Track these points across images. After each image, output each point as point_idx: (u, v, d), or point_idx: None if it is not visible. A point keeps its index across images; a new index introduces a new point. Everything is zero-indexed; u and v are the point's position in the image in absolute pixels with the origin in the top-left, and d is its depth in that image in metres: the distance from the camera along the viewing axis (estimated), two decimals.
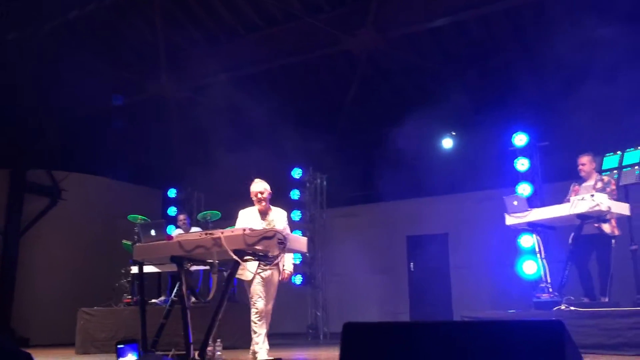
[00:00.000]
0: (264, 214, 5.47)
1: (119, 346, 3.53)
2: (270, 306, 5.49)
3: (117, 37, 10.65)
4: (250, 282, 5.28)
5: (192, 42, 10.41)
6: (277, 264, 5.39)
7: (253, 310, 5.28)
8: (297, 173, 10.45)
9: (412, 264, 11.08)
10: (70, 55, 10.09)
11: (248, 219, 5.36)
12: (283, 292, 10.35)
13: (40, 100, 10.82)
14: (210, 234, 4.65)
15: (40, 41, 9.94)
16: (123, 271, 8.28)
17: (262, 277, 5.33)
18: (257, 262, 5.13)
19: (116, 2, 9.86)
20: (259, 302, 5.28)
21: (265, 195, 5.45)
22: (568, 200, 5.97)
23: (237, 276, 5.19)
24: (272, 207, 5.56)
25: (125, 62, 10.78)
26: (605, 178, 6.30)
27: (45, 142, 11.31)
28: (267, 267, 5.31)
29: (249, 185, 5.55)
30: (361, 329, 1.89)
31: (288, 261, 5.54)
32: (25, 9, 9.49)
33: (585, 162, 6.27)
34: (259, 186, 5.47)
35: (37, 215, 11.02)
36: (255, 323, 5.26)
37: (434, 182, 10.07)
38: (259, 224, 5.29)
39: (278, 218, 5.50)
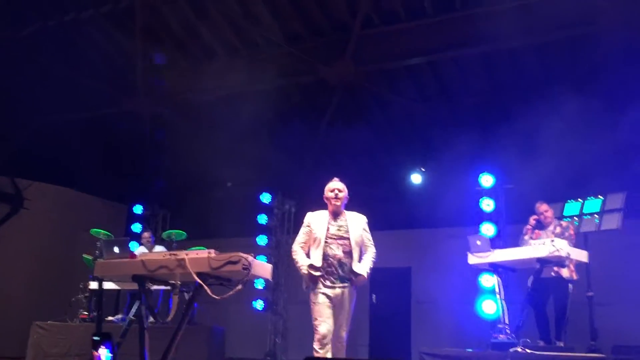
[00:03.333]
0: (335, 216, 4.94)
1: (94, 337, 3.40)
2: (343, 334, 4.71)
3: (94, 49, 10.60)
4: (315, 301, 4.74)
5: (171, 61, 10.41)
6: (352, 282, 4.76)
7: (315, 336, 4.65)
8: (266, 198, 10.44)
9: (374, 296, 11.10)
10: (45, 61, 10.01)
11: (317, 221, 4.90)
12: (243, 317, 10.35)
13: (8, 105, 10.66)
14: (174, 254, 4.60)
15: (17, 45, 9.83)
16: (81, 286, 8.12)
17: (329, 296, 4.70)
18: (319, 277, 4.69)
19: (96, 14, 9.86)
20: (322, 325, 4.62)
21: (341, 195, 4.95)
22: (523, 240, 6.15)
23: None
24: (346, 211, 5.02)
25: (102, 74, 10.70)
26: (564, 223, 6.53)
27: (10, 148, 11.10)
28: (338, 284, 4.72)
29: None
30: None
31: (366, 263, 4.84)
32: (5, 11, 9.41)
33: (548, 209, 6.47)
34: (337, 183, 5.03)
35: None
36: (317, 351, 4.58)
37: (400, 216, 10.19)
38: (330, 227, 4.85)
39: (354, 222, 4.92)
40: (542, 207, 6.50)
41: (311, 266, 4.80)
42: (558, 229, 6.31)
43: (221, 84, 10.09)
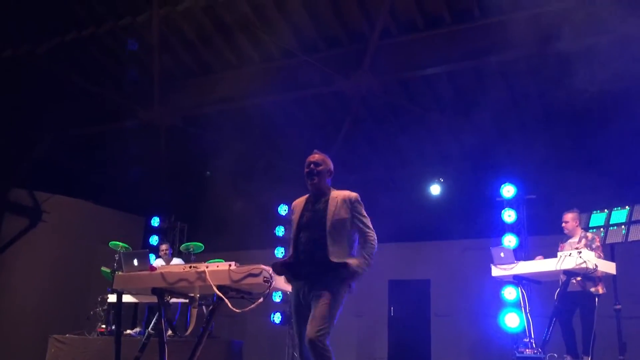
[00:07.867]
0: (316, 198, 4.01)
1: None
2: (312, 336, 3.52)
3: (111, 62, 10.65)
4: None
5: (186, 72, 10.44)
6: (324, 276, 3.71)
7: None
8: (283, 210, 10.40)
9: (392, 308, 10.97)
10: (63, 75, 10.07)
11: (297, 209, 4.10)
12: (261, 330, 10.27)
13: (27, 118, 10.73)
14: (194, 267, 4.55)
15: (36, 61, 9.90)
16: (99, 299, 8.08)
17: (300, 298, 3.85)
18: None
19: (113, 27, 9.90)
20: (296, 337, 3.90)
21: (319, 168, 3.97)
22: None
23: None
24: (334, 190, 4.04)
25: (119, 87, 10.75)
26: (590, 235, 6.35)
27: (28, 161, 11.16)
28: (307, 281, 3.82)
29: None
30: None
31: (352, 259, 3.79)
32: (22, 26, 9.50)
33: (568, 219, 6.31)
34: (313, 156, 4.04)
35: (16, 236, 10.77)
36: None
37: (419, 228, 10.08)
38: (306, 213, 4.02)
39: (335, 202, 3.90)
40: (565, 216, 6.33)
41: (275, 265, 3.99)
42: (583, 241, 6.14)
43: (236, 94, 10.06)
